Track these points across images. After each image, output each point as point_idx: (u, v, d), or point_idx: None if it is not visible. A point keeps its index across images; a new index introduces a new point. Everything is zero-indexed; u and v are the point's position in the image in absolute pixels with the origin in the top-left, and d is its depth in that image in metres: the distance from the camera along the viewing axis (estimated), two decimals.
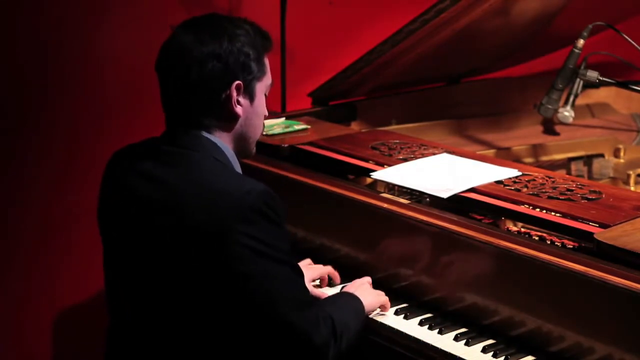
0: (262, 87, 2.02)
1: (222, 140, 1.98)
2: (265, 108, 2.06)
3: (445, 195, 2.32)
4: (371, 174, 2.52)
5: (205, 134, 1.96)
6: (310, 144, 2.76)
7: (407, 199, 2.40)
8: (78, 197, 3.08)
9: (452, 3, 2.73)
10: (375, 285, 2.41)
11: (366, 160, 2.61)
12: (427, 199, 2.40)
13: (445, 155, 2.63)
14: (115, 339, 2.04)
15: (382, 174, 2.50)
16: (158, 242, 1.89)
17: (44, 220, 3.04)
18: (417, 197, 2.41)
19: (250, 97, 1.99)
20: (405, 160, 2.59)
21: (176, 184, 1.89)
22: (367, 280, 2.31)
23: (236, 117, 1.98)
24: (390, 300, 2.34)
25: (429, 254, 2.29)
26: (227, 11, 3.27)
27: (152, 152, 1.97)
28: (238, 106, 1.96)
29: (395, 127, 3.20)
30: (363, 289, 2.24)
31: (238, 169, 2.02)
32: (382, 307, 2.27)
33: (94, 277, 3.18)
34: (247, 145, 2.05)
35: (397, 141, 2.78)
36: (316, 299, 2.22)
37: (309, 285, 2.35)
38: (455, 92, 3.53)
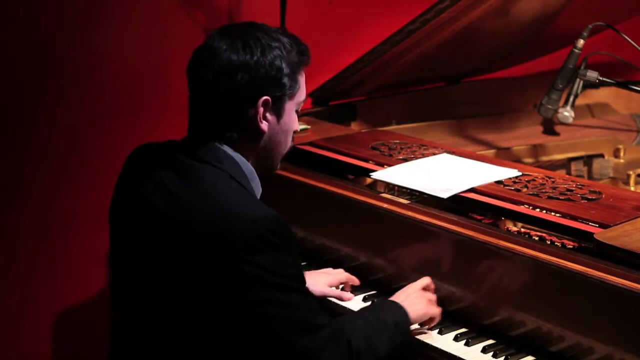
0: (293, 104, 1.94)
1: (243, 155, 1.92)
2: (296, 123, 1.98)
3: (445, 195, 2.32)
4: (371, 174, 2.52)
5: (225, 147, 1.90)
6: (311, 144, 2.76)
7: (407, 199, 2.40)
8: (78, 197, 3.08)
9: (452, 3, 2.73)
10: (375, 285, 2.41)
11: (366, 160, 2.61)
12: (427, 199, 2.40)
13: (445, 155, 2.63)
14: (118, 344, 2.02)
15: (382, 174, 2.50)
16: (165, 256, 1.86)
17: (44, 220, 3.04)
18: (417, 197, 2.41)
19: (278, 113, 1.92)
20: (405, 160, 2.59)
21: (189, 202, 1.83)
22: (421, 285, 2.20)
23: (261, 133, 1.91)
24: None
25: (428, 254, 2.29)
26: (227, 11, 3.27)
27: (171, 162, 1.91)
28: (264, 122, 1.89)
29: (395, 127, 3.20)
30: (413, 298, 2.15)
31: (257, 185, 1.96)
32: (430, 320, 2.17)
33: (94, 277, 3.19)
34: (270, 161, 1.98)
35: (397, 141, 2.78)
36: (337, 312, 2.22)
37: (327, 289, 2.35)
38: (455, 92, 3.53)
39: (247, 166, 1.93)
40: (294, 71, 1.91)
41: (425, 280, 2.22)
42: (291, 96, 1.93)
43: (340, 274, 2.41)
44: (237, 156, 1.91)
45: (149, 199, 1.90)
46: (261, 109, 1.88)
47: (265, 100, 1.88)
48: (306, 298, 1.88)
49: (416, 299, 2.15)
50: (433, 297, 2.20)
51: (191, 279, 1.82)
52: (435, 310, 2.17)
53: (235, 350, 1.86)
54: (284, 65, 1.88)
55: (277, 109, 1.91)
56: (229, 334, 1.84)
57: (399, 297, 2.16)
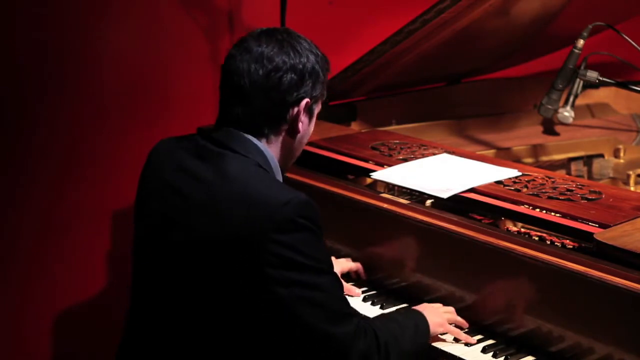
0: (318, 109, 2.05)
1: (271, 151, 1.98)
2: None
3: (445, 195, 2.32)
4: (371, 174, 2.52)
5: (256, 141, 1.96)
6: (310, 144, 2.76)
7: (407, 199, 2.40)
8: (78, 197, 3.08)
9: (452, 3, 2.73)
10: (375, 285, 2.42)
11: (366, 161, 2.61)
12: (427, 199, 2.40)
13: (445, 155, 2.63)
14: (134, 329, 2.03)
15: (382, 174, 2.50)
16: (195, 241, 1.88)
17: (43, 220, 3.04)
18: (417, 197, 2.41)
19: (310, 116, 2.02)
20: (405, 160, 2.59)
21: (219, 187, 1.87)
22: (437, 304, 2.24)
23: (296, 132, 1.99)
24: (391, 301, 2.34)
25: (428, 254, 2.29)
26: (227, 11, 3.27)
27: (199, 150, 1.96)
28: (300, 123, 1.98)
29: (395, 127, 3.20)
30: (431, 309, 2.19)
31: (280, 180, 2.00)
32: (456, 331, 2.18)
33: (94, 277, 3.19)
34: (290, 160, 2.06)
35: (397, 141, 2.78)
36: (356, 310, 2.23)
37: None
38: (455, 92, 3.53)
39: (274, 160, 1.99)
40: (325, 79, 2.03)
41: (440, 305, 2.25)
42: (319, 101, 2.03)
43: (349, 263, 2.46)
44: (266, 151, 1.97)
45: (179, 187, 1.93)
46: (302, 110, 1.97)
47: (307, 102, 1.97)
48: (336, 283, 1.92)
49: (433, 310, 2.18)
50: (450, 311, 2.21)
51: (221, 262, 1.84)
52: (452, 328, 2.17)
53: (264, 337, 1.87)
54: (320, 71, 1.99)
55: (310, 112, 2.01)
56: (258, 318, 1.85)
57: (417, 308, 2.19)
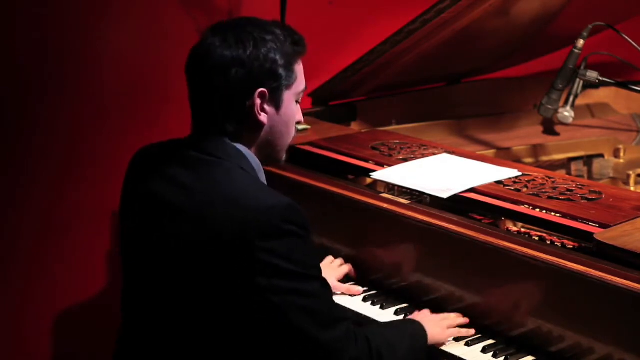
0: (292, 94, 1.96)
1: (248, 148, 1.94)
2: (298, 113, 2.01)
3: (445, 195, 2.32)
4: (371, 174, 2.52)
5: (230, 141, 1.92)
6: (310, 144, 2.76)
7: (407, 199, 2.40)
8: (78, 197, 3.08)
9: (452, 3, 2.73)
10: (375, 285, 2.42)
11: (366, 161, 2.61)
12: (427, 199, 2.40)
13: (445, 155, 2.63)
14: (126, 341, 2.02)
15: (382, 174, 2.50)
16: (180, 249, 1.86)
17: (44, 220, 3.04)
18: (417, 197, 2.41)
19: (277, 104, 1.93)
20: (405, 160, 2.59)
21: (203, 193, 1.85)
22: (434, 314, 2.22)
23: (260, 125, 1.93)
24: (391, 301, 2.34)
25: (428, 254, 2.29)
26: (227, 11, 3.27)
27: (179, 157, 1.93)
28: (262, 114, 1.91)
29: (395, 127, 3.20)
30: (429, 318, 2.17)
31: (262, 178, 1.97)
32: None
33: (94, 277, 3.19)
34: (275, 152, 2.00)
35: (397, 141, 2.78)
36: (346, 310, 2.26)
37: (335, 282, 2.38)
38: (455, 92, 3.53)
39: (254, 159, 1.95)
40: (290, 62, 1.93)
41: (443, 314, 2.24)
42: (288, 87, 1.94)
43: (344, 268, 2.46)
44: (243, 149, 1.93)
45: (162, 194, 1.90)
46: (258, 101, 1.90)
47: (262, 92, 1.90)
48: (325, 289, 1.89)
49: (432, 320, 2.17)
50: (448, 317, 2.21)
51: (208, 269, 1.82)
52: (452, 332, 2.17)
53: (253, 344, 1.86)
54: (278, 56, 1.90)
55: (275, 100, 1.93)
56: (247, 326, 1.84)
57: (415, 317, 2.19)
